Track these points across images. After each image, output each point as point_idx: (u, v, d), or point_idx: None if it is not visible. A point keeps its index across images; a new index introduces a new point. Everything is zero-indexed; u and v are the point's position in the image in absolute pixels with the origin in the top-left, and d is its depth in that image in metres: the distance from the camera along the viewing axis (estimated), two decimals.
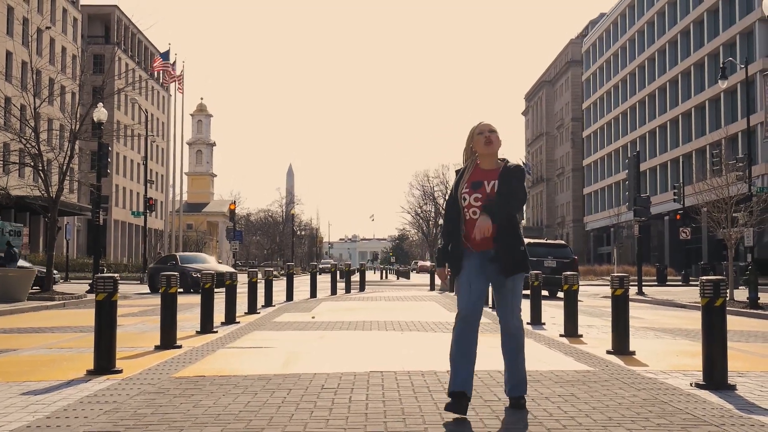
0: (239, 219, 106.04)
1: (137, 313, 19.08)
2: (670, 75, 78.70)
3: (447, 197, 6.26)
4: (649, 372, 8.44)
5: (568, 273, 13.15)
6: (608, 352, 10.20)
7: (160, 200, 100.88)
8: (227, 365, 8.75)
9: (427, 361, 9.03)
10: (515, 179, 6.02)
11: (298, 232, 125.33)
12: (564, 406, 6.27)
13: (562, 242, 33.24)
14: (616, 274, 10.46)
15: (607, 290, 39.83)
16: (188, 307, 19.50)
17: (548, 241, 33.24)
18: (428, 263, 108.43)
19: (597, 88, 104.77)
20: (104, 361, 8.09)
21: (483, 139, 6.11)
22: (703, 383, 7.36)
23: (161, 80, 67.43)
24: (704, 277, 7.43)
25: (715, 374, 7.33)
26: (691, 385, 7.48)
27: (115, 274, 8.26)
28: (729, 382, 7.43)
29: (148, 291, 32.97)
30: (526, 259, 6.05)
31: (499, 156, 6.21)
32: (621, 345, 10.23)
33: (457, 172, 6.34)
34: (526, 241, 35.85)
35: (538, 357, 9.67)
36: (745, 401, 6.74)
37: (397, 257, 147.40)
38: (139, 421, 5.68)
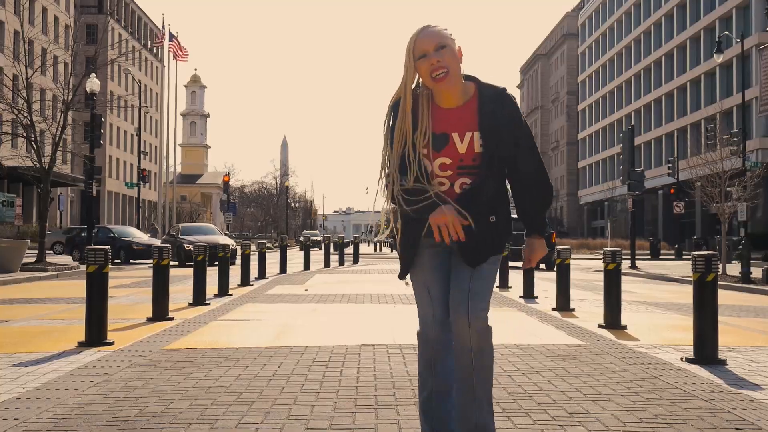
0: (233, 191, 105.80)
1: (130, 284, 19.06)
2: (666, 49, 78.48)
3: (385, 150, 3.87)
4: (640, 346, 8.46)
5: (561, 248, 13.15)
6: (600, 327, 10.22)
7: (153, 171, 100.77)
8: (219, 337, 8.75)
9: None
10: (515, 120, 3.77)
11: (293, 205, 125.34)
12: (555, 381, 6.27)
13: None
14: (608, 249, 10.46)
15: (601, 264, 39.84)
16: (181, 279, 19.49)
17: None
18: None
19: (593, 62, 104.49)
20: (95, 333, 8.08)
21: (429, 67, 3.63)
22: (694, 358, 7.38)
23: (176, 56, 66.93)
24: (696, 252, 7.43)
25: (705, 349, 7.34)
26: (681, 359, 7.50)
27: (106, 246, 8.21)
28: (719, 356, 7.45)
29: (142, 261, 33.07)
30: (508, 234, 3.98)
31: (465, 74, 3.80)
32: (613, 319, 10.25)
33: (394, 108, 3.83)
34: None
35: (530, 331, 9.70)
36: (735, 376, 6.76)
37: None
38: (129, 393, 5.68)
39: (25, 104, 25.37)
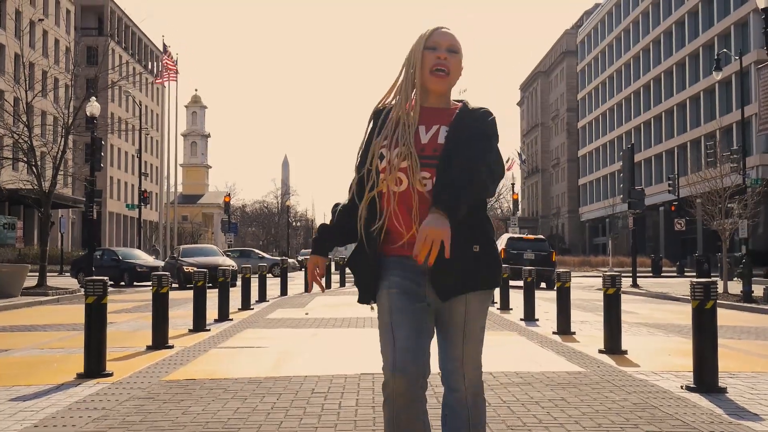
0: (234, 210, 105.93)
1: (131, 308, 19.06)
2: (665, 66, 78.68)
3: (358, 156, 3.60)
4: (641, 373, 8.43)
5: (561, 271, 13.15)
6: (600, 352, 10.20)
7: (154, 192, 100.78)
8: (218, 367, 8.73)
9: None
10: (484, 131, 3.41)
11: (294, 224, 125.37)
12: (554, 412, 6.25)
13: (541, 236, 37.48)
14: (608, 273, 10.45)
15: (602, 282, 39.69)
16: (182, 302, 19.43)
17: (528, 236, 36.57)
18: None
19: (592, 79, 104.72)
20: (94, 364, 8.06)
21: (434, 60, 3.45)
22: (694, 386, 7.35)
23: (162, 77, 67.00)
24: (695, 280, 7.43)
25: (705, 377, 7.32)
26: (681, 387, 7.48)
27: (105, 278, 8.21)
28: (719, 384, 7.42)
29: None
30: (495, 268, 3.42)
31: (454, 98, 3.63)
32: (613, 344, 10.23)
33: (376, 115, 3.58)
34: (506, 236, 37.59)
35: (530, 357, 9.68)
36: (735, 405, 6.73)
37: None
38: (127, 429, 5.66)
39: (25, 128, 25.42)
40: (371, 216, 3.43)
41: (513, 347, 10.68)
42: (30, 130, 25.49)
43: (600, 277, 49.49)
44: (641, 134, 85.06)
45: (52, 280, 32.21)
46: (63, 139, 26.35)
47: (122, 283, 33.19)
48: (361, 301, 3.57)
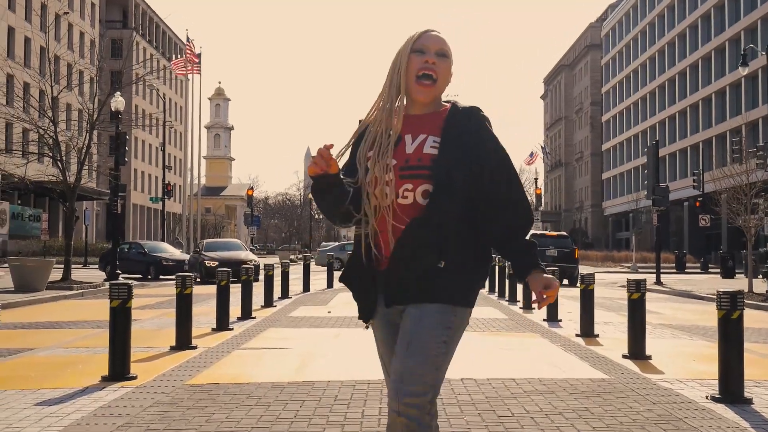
0: (257, 202, 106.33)
1: (154, 304, 19.13)
2: (691, 60, 78.07)
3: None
4: (665, 380, 8.37)
5: (585, 273, 13.08)
6: (624, 357, 10.13)
7: (178, 184, 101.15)
8: (242, 370, 8.76)
9: None
10: (483, 133, 3.27)
11: (316, 216, 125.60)
12: (578, 424, 6.22)
13: (564, 233, 37.36)
14: (633, 278, 10.39)
15: (626, 278, 39.53)
16: (204, 298, 19.52)
17: (551, 233, 36.66)
18: None
19: (616, 73, 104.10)
20: (119, 368, 8.11)
21: (420, 64, 3.26)
22: (719, 396, 7.30)
23: (185, 69, 67.11)
24: (721, 289, 7.37)
25: (730, 388, 7.27)
26: (706, 398, 7.42)
27: (130, 281, 8.25)
28: (745, 394, 7.36)
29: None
30: (461, 284, 3.21)
31: (445, 98, 3.41)
32: (637, 349, 10.16)
33: (363, 123, 3.44)
34: (529, 232, 37.01)
35: (554, 362, 9.64)
36: (761, 418, 6.67)
37: None
38: None
39: (51, 124, 25.58)
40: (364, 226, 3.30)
41: (536, 351, 10.64)
42: (55, 125, 25.64)
43: (623, 273, 49.37)
44: (666, 129, 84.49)
45: (77, 273, 32.23)
46: (88, 134, 26.50)
47: (149, 277, 33.48)
48: (361, 318, 3.44)
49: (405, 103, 3.33)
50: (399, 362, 3.11)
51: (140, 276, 33.69)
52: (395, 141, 3.24)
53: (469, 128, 3.25)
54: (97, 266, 45.95)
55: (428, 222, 3.14)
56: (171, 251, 37.13)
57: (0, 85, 37.67)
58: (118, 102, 29.36)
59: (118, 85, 30.71)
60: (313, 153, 3.09)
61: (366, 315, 3.39)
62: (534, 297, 3.19)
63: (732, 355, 7.28)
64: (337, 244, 60.03)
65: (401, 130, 3.27)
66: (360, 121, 3.43)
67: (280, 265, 22.37)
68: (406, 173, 3.19)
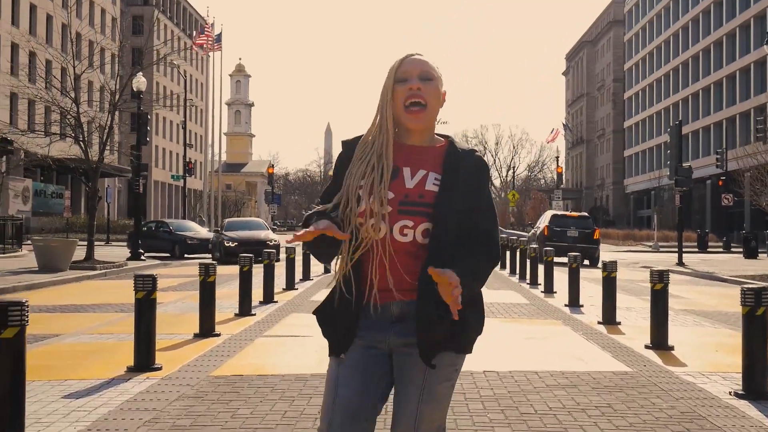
0: (277, 179, 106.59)
1: (177, 286, 19.24)
2: (715, 37, 77.29)
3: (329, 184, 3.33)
4: (688, 374, 8.36)
5: (608, 261, 13.04)
6: (647, 347, 10.12)
7: (199, 161, 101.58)
8: (265, 361, 8.83)
9: (466, 358, 8.79)
10: (481, 183, 3.21)
11: None
12: (601, 422, 6.24)
13: (585, 214, 37.55)
14: (656, 269, 10.35)
15: (648, 258, 39.70)
16: (225, 280, 19.58)
17: (572, 213, 36.76)
18: None
19: (639, 49, 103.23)
20: (144, 359, 8.19)
21: (406, 93, 3.15)
22: (742, 392, 7.29)
23: (204, 48, 67.14)
24: (745, 286, 7.34)
25: (754, 384, 7.26)
26: (729, 393, 7.41)
27: (155, 272, 8.31)
28: None
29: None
30: (477, 332, 3.25)
31: (437, 131, 3.32)
32: (660, 339, 10.14)
33: (346, 145, 3.30)
34: (550, 213, 37.61)
35: (575, 353, 9.65)
36: None
37: None
38: None
39: (73, 104, 25.69)
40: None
41: (558, 340, 10.65)
42: (78, 105, 25.74)
43: (645, 252, 49.17)
44: (689, 106, 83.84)
45: (100, 251, 32.30)
46: (110, 115, 26.60)
47: (175, 255, 33.58)
48: (335, 352, 3.22)
49: (397, 131, 3.22)
50: (412, 405, 3.11)
51: (167, 255, 33.86)
52: (392, 174, 3.13)
53: (470, 171, 3.16)
54: (119, 244, 46.43)
55: (438, 265, 2.96)
56: (196, 230, 37.29)
57: (22, 65, 37.91)
58: (139, 82, 29.43)
59: (139, 64, 30.79)
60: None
61: (343, 348, 3.20)
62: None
63: (756, 352, 7.26)
64: None
65: (397, 161, 3.16)
66: (343, 142, 3.31)
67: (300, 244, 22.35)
68: (406, 209, 3.09)
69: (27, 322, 5.49)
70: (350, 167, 3.16)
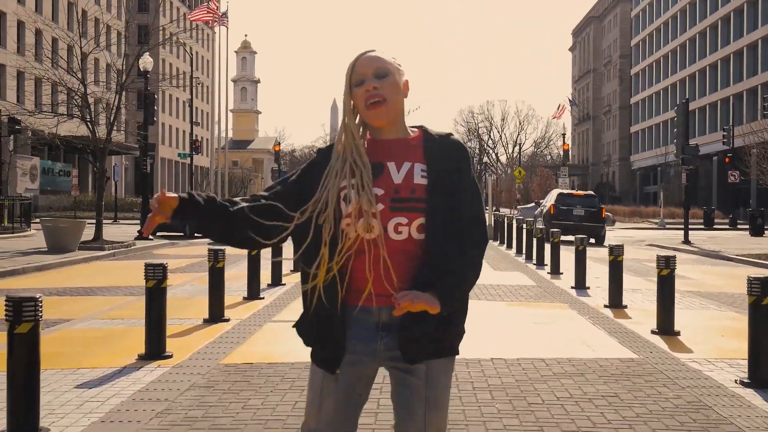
0: (284, 155, 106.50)
1: (185, 267, 19.32)
2: (722, 13, 76.88)
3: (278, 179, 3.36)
4: (694, 361, 8.42)
5: (614, 245, 13.07)
6: (653, 332, 10.18)
7: (205, 138, 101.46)
8: (274, 348, 8.91)
9: (474, 343, 7.66)
10: (464, 167, 3.14)
11: None
12: (608, 413, 6.31)
13: (591, 192, 38.06)
14: (662, 255, 10.40)
15: (654, 235, 39.70)
16: (234, 260, 19.64)
17: (578, 192, 36.71)
18: None
19: (646, 25, 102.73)
20: (155, 347, 8.27)
21: (364, 94, 3.06)
22: (748, 381, 7.35)
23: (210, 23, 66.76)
24: (751, 276, 7.38)
25: (759, 373, 7.32)
26: (735, 381, 7.47)
27: (165, 261, 8.37)
28: None
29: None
30: (461, 334, 3.17)
31: (410, 124, 3.24)
32: (666, 324, 10.21)
33: (320, 152, 3.22)
34: (556, 192, 37.70)
35: (582, 338, 9.72)
36: None
37: None
38: (190, 427, 5.86)
39: (81, 85, 25.70)
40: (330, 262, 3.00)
41: (564, 325, 10.72)
42: (85, 86, 25.75)
43: (651, 229, 49.17)
44: (696, 82, 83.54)
45: (108, 229, 32.15)
46: (117, 95, 26.61)
47: (184, 234, 33.19)
48: (328, 367, 3.08)
49: (367, 132, 3.15)
50: (419, 416, 3.07)
51: (181, 234, 33.49)
52: (376, 169, 3.05)
53: (451, 156, 3.11)
54: (127, 222, 46.62)
55: (432, 264, 2.98)
56: None
57: (29, 45, 37.91)
58: (146, 62, 29.43)
59: (146, 43, 30.74)
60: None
61: (334, 365, 3.08)
62: (404, 300, 2.88)
63: (762, 341, 7.31)
64: None
65: (379, 156, 3.08)
66: (318, 150, 3.23)
67: None
68: (399, 206, 3.00)
69: (41, 317, 5.58)
70: (328, 169, 3.07)
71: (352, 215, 2.98)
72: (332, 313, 3.02)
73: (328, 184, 3.03)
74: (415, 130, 3.20)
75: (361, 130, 3.12)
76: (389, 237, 2.99)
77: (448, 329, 3.06)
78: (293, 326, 3.21)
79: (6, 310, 5.49)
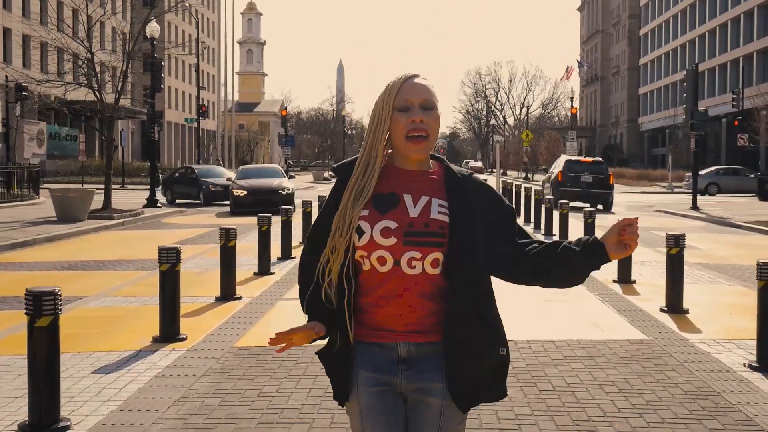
0: (290, 118, 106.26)
1: (194, 238, 19.37)
2: None
3: (322, 209, 3.17)
4: (702, 341, 8.49)
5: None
6: (662, 310, 10.25)
7: (211, 101, 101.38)
8: (286, 328, 8.97)
9: None
10: (491, 194, 3.09)
11: (349, 132, 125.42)
12: (618, 401, 6.39)
13: (599, 159, 38.10)
14: (672, 233, 10.44)
15: (662, 200, 39.64)
16: (242, 231, 19.64)
17: (586, 159, 36.91)
18: (479, 163, 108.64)
19: None
20: (169, 330, 8.37)
21: (408, 125, 2.96)
22: (756, 365, 7.43)
23: None
24: (762, 261, 7.42)
25: None
26: (744, 365, 7.54)
27: (178, 245, 8.45)
28: None
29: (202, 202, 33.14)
30: (502, 369, 3.06)
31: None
32: (674, 302, 10.27)
33: (336, 171, 3.15)
34: (564, 158, 37.61)
35: (591, 317, 9.80)
36: None
37: (449, 156, 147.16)
38: (207, 416, 5.97)
39: (88, 53, 25.66)
40: (340, 294, 2.97)
41: (574, 303, 10.76)
42: (92, 53, 25.71)
43: (659, 193, 49.10)
44: (705, 43, 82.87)
45: (116, 195, 31.94)
46: (124, 62, 26.57)
47: (198, 202, 33.03)
48: (337, 398, 3.08)
49: (391, 152, 3.07)
50: None
51: (196, 202, 33.35)
52: (391, 200, 2.97)
53: (481, 193, 3.05)
54: (134, 188, 46.75)
55: (448, 300, 2.94)
56: (222, 175, 35.96)
57: (34, 14, 37.79)
58: (153, 29, 29.34)
59: (152, 6, 30.63)
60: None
61: (343, 396, 3.05)
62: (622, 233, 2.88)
63: None
64: None
65: (396, 188, 2.99)
66: (333, 168, 3.19)
67: (313, 186, 22.42)
68: (412, 239, 2.92)
69: (60, 310, 5.67)
70: (345, 194, 3.00)
71: (366, 248, 2.94)
72: (345, 350, 2.99)
73: (346, 211, 2.97)
74: (435, 162, 3.14)
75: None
76: (403, 271, 2.92)
77: (501, 368, 3.05)
78: (316, 353, 3.18)
79: (26, 304, 5.58)
